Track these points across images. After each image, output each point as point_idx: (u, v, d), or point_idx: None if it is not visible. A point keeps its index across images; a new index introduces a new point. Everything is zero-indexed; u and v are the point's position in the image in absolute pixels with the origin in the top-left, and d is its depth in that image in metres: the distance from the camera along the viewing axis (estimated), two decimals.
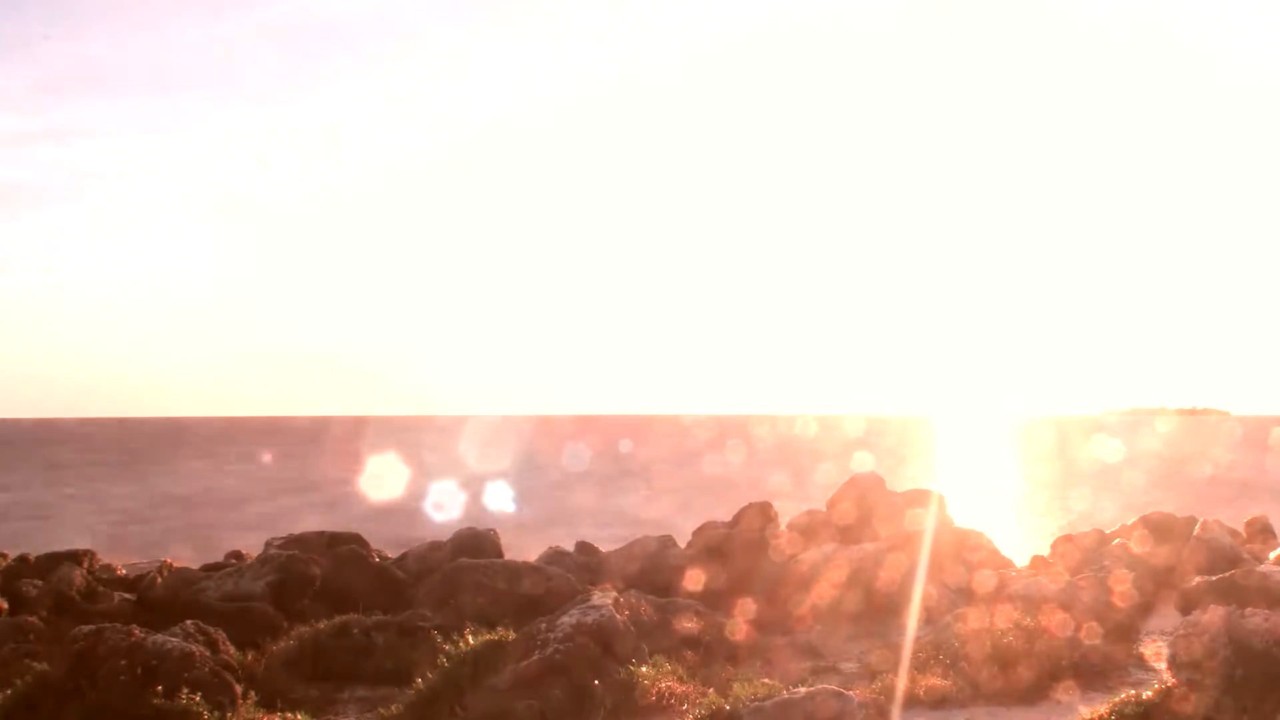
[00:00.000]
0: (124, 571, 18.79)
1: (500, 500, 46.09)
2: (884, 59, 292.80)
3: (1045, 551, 20.89)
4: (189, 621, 12.20)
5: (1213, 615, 10.23)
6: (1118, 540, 20.18)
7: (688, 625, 13.69)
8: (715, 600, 15.89)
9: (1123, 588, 15.31)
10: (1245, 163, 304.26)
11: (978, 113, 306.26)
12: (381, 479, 57.04)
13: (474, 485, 49.98)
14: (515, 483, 53.34)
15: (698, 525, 19.75)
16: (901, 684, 11.20)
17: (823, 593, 15.77)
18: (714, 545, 18.34)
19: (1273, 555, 19.85)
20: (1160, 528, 19.93)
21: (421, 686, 10.90)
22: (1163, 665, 10.50)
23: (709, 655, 13.09)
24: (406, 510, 43.86)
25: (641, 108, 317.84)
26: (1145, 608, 15.53)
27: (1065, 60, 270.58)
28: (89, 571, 17.38)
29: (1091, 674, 12.04)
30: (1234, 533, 20.86)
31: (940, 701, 11.18)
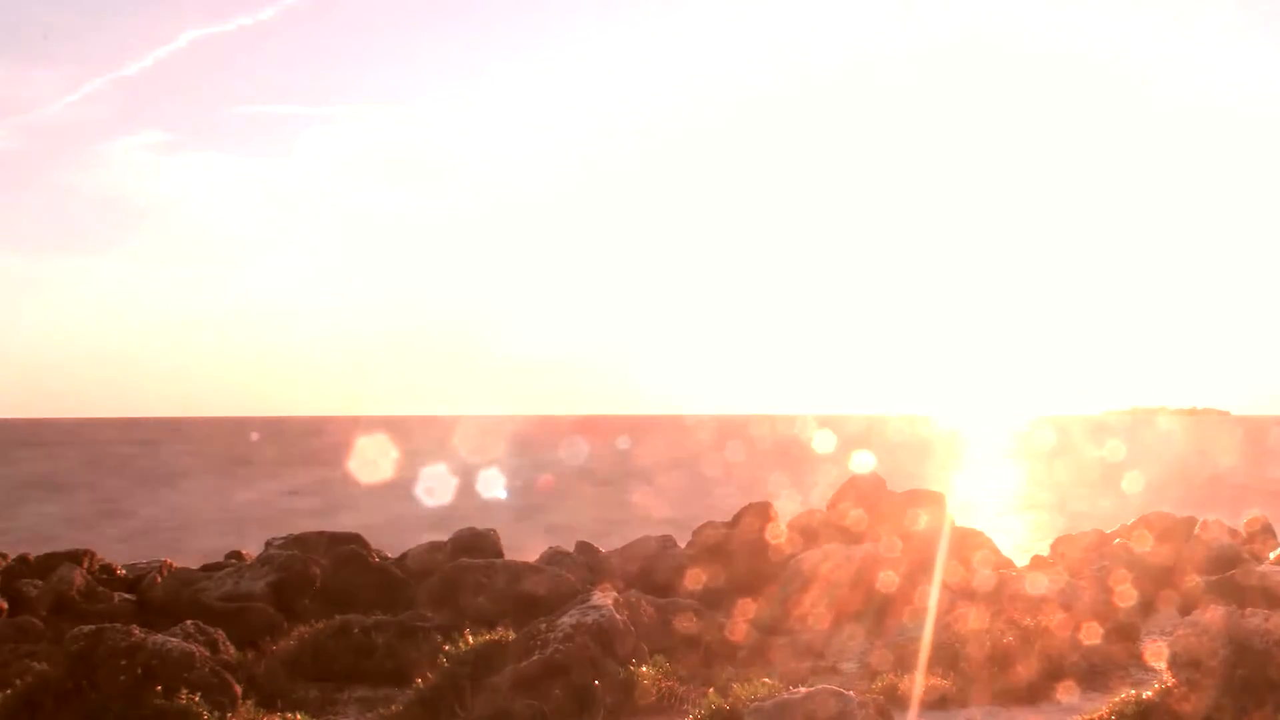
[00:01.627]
0: (124, 571, 18.78)
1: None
2: (886, 72, 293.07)
3: (1045, 551, 20.91)
4: (189, 621, 12.22)
5: (1213, 615, 10.23)
6: (1118, 540, 20.19)
7: (688, 625, 13.69)
8: (715, 600, 15.90)
9: (1123, 588, 15.31)
10: (1244, 164, 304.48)
11: (978, 117, 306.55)
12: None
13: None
14: (516, 484, 53.37)
15: (698, 525, 19.76)
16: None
17: (823, 593, 15.77)
18: (714, 545, 18.34)
19: (1273, 555, 19.90)
20: (1160, 528, 19.94)
21: (421, 686, 10.91)
22: (1163, 665, 10.49)
23: (709, 655, 13.09)
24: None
25: (655, 118, 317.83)
26: (1145, 608, 15.53)
27: (1060, 69, 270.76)
28: (89, 571, 17.37)
29: (1091, 674, 12.05)
30: (1234, 533, 20.88)
31: (940, 701, 11.19)
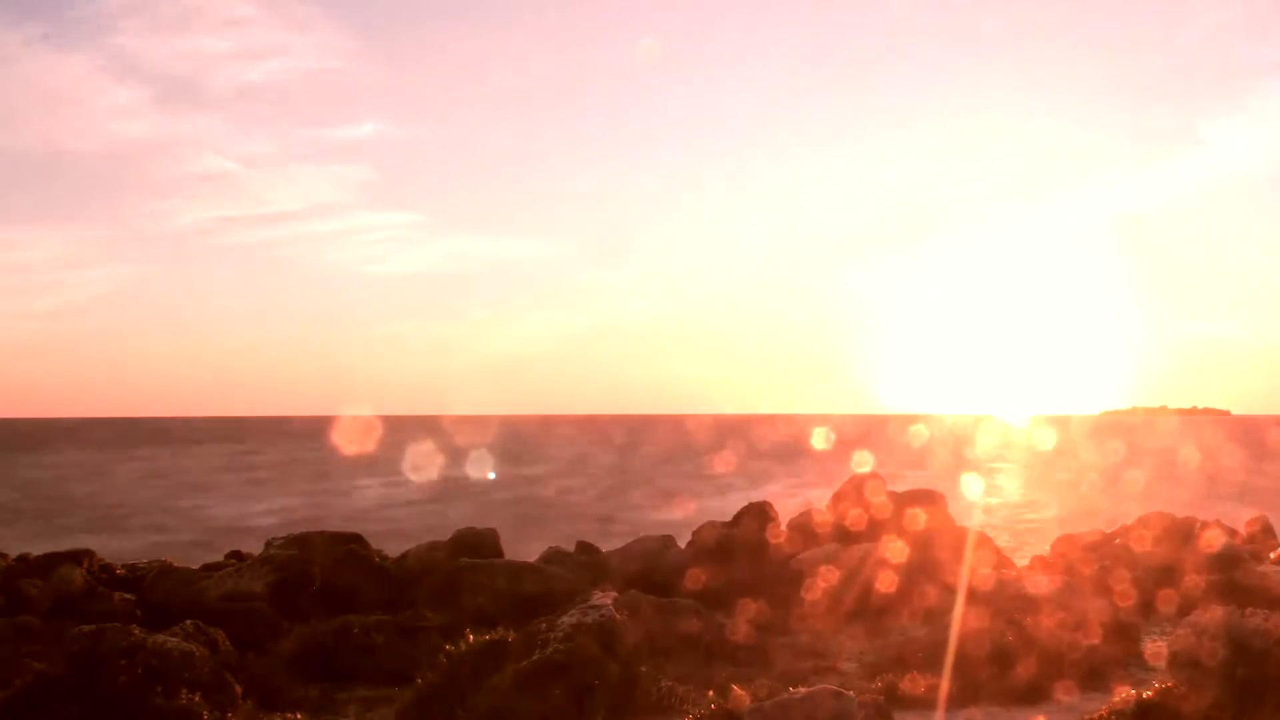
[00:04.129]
0: (124, 571, 18.79)
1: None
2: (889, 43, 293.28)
3: (1045, 551, 20.92)
4: (189, 621, 12.22)
5: (1213, 615, 10.23)
6: (1118, 540, 20.21)
7: (688, 625, 13.69)
8: (715, 600, 15.90)
9: (1123, 587, 15.33)
10: (1244, 161, 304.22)
11: (978, 113, 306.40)
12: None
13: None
14: (516, 485, 53.38)
15: (697, 525, 19.78)
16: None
17: (823, 593, 15.78)
18: (714, 545, 18.35)
19: (1273, 555, 19.92)
20: (1160, 528, 19.96)
21: (421, 686, 10.91)
22: (1163, 665, 10.50)
23: (709, 655, 13.09)
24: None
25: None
26: (1145, 607, 15.54)
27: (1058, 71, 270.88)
28: (89, 571, 17.38)
29: (1091, 674, 12.05)
30: (1234, 533, 20.89)
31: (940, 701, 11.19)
